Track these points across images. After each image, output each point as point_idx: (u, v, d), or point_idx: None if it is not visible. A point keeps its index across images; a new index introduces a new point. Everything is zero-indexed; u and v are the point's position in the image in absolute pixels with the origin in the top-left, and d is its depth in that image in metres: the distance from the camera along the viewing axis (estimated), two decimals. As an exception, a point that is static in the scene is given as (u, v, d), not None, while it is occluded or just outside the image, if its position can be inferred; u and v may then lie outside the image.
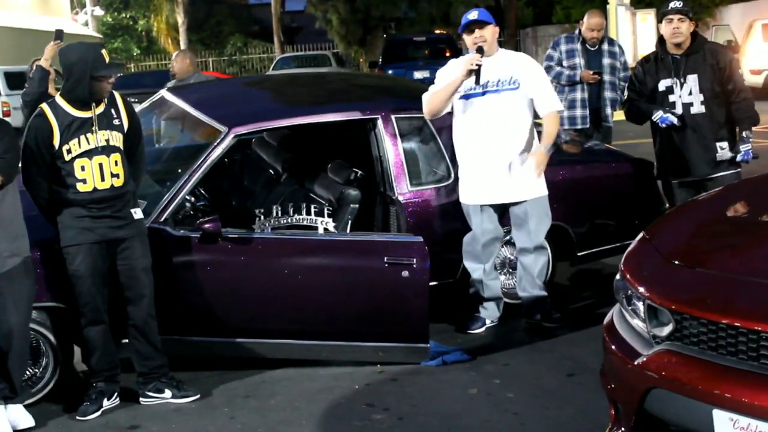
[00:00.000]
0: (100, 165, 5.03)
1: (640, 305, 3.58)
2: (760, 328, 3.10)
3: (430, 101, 6.01)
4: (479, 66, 5.80)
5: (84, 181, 5.01)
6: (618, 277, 3.85)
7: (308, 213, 5.83)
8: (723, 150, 6.41)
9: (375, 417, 5.01)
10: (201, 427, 5.02)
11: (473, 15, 5.96)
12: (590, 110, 8.37)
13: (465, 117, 6.02)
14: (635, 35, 22.71)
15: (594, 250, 6.81)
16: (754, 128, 6.44)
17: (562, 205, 6.47)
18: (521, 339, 6.14)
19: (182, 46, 38.00)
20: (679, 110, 6.39)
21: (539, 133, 6.08)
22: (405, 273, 5.42)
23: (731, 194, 4.57)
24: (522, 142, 5.99)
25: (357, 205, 6.05)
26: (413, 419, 4.96)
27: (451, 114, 6.10)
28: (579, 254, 6.74)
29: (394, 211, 6.10)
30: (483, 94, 5.94)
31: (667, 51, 6.44)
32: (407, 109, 6.27)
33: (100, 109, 5.10)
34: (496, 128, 5.93)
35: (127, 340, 5.31)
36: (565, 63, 8.39)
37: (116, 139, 5.12)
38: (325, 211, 5.85)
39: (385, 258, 5.45)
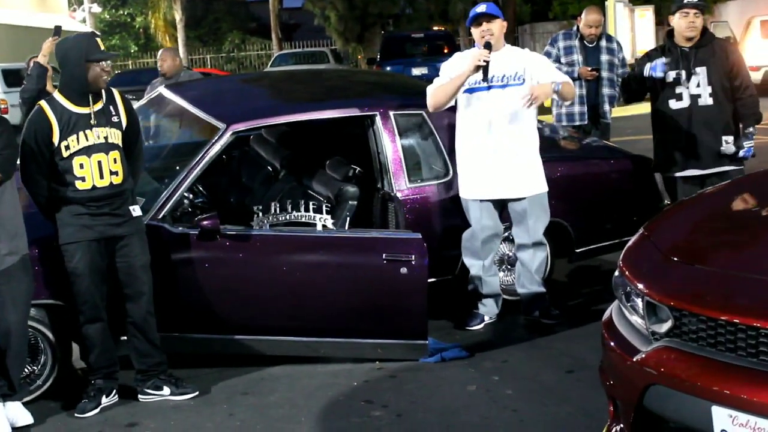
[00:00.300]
0: (99, 162, 5.03)
1: (639, 302, 3.57)
2: (759, 325, 3.10)
3: (434, 94, 6.00)
4: (487, 62, 5.80)
5: (83, 178, 5.01)
6: (617, 273, 3.85)
7: (306, 210, 5.83)
8: (728, 144, 6.43)
9: (374, 414, 5.02)
10: (200, 424, 5.02)
11: (481, 8, 5.96)
12: (588, 107, 8.36)
13: (469, 111, 6.01)
14: (633, 32, 22.72)
15: (592, 246, 6.81)
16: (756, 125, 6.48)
17: (561, 202, 6.47)
18: (520, 336, 6.14)
19: (180, 43, 37.91)
20: (686, 102, 6.40)
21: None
22: (403, 270, 5.42)
23: (730, 191, 4.57)
24: (524, 138, 5.99)
25: (355, 202, 6.05)
26: (412, 416, 4.96)
27: (450, 110, 6.10)
28: (577, 251, 6.75)
29: (393, 207, 6.10)
30: (488, 89, 5.93)
31: (675, 43, 6.45)
32: (405, 105, 6.27)
33: (99, 105, 5.09)
34: (500, 123, 5.93)
35: (125, 338, 5.31)
36: (563, 60, 8.38)
37: (115, 136, 5.12)
38: (324, 208, 5.85)
39: (384, 255, 5.45)
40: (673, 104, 6.44)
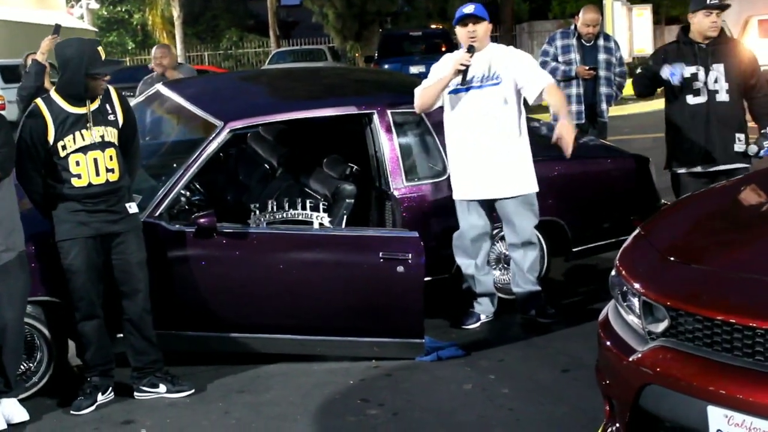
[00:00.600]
0: (95, 160, 5.03)
1: (636, 301, 3.58)
2: (755, 325, 3.10)
3: (420, 96, 6.04)
4: (467, 67, 5.81)
5: (79, 176, 5.01)
6: (613, 273, 3.85)
7: (303, 208, 5.82)
8: (740, 142, 6.46)
9: (370, 412, 5.01)
10: (195, 422, 5.01)
11: (469, 9, 5.96)
12: (585, 106, 8.36)
13: (452, 113, 6.04)
14: (631, 31, 22.75)
15: (589, 245, 6.81)
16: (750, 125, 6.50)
17: (557, 201, 6.48)
18: (516, 334, 6.14)
19: (177, 40, 37.84)
20: (704, 97, 6.41)
21: (530, 130, 6.10)
22: (400, 268, 5.42)
23: (727, 190, 4.57)
24: (507, 137, 5.97)
25: (352, 200, 6.04)
26: (408, 414, 4.96)
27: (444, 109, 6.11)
28: (574, 250, 6.75)
29: (390, 206, 6.10)
30: (467, 90, 5.95)
31: (691, 39, 6.47)
32: (403, 104, 6.26)
33: (95, 104, 5.09)
34: (480, 123, 5.93)
35: (121, 335, 5.31)
36: (560, 58, 8.39)
37: (111, 134, 5.11)
38: (321, 206, 5.84)
39: (381, 253, 5.45)
40: (691, 99, 6.45)
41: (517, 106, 5.97)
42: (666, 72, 6.37)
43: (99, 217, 5.06)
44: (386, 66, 21.99)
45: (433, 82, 5.98)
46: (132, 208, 5.20)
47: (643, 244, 3.89)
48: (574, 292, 7.03)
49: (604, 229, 6.83)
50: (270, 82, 7.92)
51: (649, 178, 6.96)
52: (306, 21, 48.80)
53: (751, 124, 6.58)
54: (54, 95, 5.08)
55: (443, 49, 21.89)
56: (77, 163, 5.00)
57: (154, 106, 7.15)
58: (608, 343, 3.70)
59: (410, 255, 5.42)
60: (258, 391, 5.38)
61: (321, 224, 5.75)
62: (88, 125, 5.03)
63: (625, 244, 4.02)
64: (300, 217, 5.80)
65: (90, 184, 5.03)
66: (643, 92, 6.80)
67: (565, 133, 5.68)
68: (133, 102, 6.46)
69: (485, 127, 5.93)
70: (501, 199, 6.01)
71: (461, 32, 5.97)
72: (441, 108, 6.09)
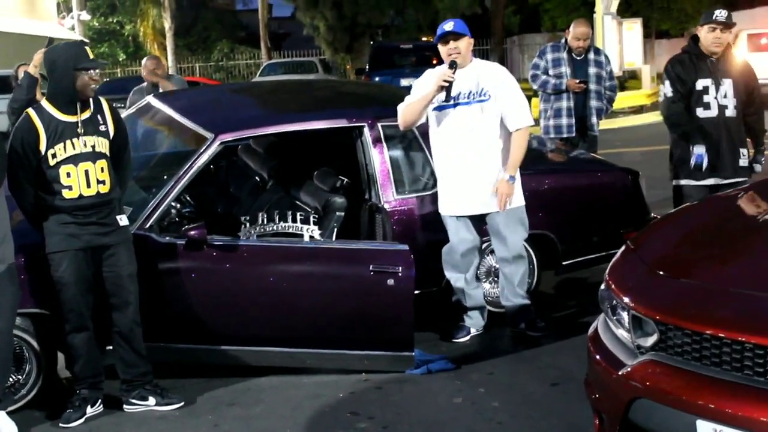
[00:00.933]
0: (86, 171, 5.03)
1: (625, 315, 3.59)
2: (743, 339, 3.11)
3: (404, 113, 6.03)
4: (450, 83, 5.82)
5: (70, 187, 5.00)
6: (603, 287, 3.86)
7: (294, 220, 5.82)
8: (744, 157, 6.57)
9: (360, 425, 5.01)
10: (185, 435, 5.01)
11: (449, 26, 5.97)
12: (576, 119, 8.40)
13: (438, 129, 6.04)
14: (621, 44, 22.86)
15: (579, 259, 6.82)
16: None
17: (547, 214, 6.49)
18: (506, 348, 6.14)
19: (169, 51, 37.92)
20: (714, 111, 6.47)
21: None
22: (390, 281, 5.42)
23: (716, 204, 4.59)
24: (495, 153, 5.97)
25: (343, 213, 6.04)
26: (398, 428, 4.96)
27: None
28: (564, 263, 6.75)
29: (380, 218, 6.10)
30: (455, 106, 5.95)
31: (703, 52, 6.52)
32: (394, 116, 6.25)
33: (86, 114, 5.09)
34: (468, 139, 5.93)
35: (111, 347, 5.29)
36: (551, 72, 8.43)
37: (102, 145, 5.11)
38: (311, 219, 5.84)
39: (371, 266, 5.45)
40: (701, 113, 6.50)
41: (498, 122, 5.98)
42: (696, 151, 6.43)
43: (90, 229, 5.05)
44: (377, 78, 22.04)
45: (417, 99, 5.98)
46: (123, 220, 5.20)
47: (632, 258, 3.91)
48: (564, 306, 7.04)
49: (594, 243, 6.84)
50: (261, 94, 7.93)
51: (639, 191, 6.97)
52: (297, 33, 48.89)
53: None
54: (45, 103, 5.08)
55: (434, 62, 21.94)
56: (68, 175, 5.00)
57: (145, 118, 7.14)
58: (598, 356, 3.71)
59: (400, 268, 5.42)
60: (248, 403, 5.37)
61: (311, 237, 5.75)
62: (78, 133, 5.03)
63: (614, 258, 4.04)
64: (290, 230, 5.80)
65: (81, 196, 5.02)
66: (672, 124, 6.69)
67: (502, 191, 5.87)
68: (123, 113, 6.45)
69: (473, 143, 5.94)
70: (491, 213, 6.02)
71: (443, 50, 5.97)
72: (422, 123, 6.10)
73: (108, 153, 5.15)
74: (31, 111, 5.07)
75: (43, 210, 5.06)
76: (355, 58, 41.00)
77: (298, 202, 6.51)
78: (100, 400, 5.28)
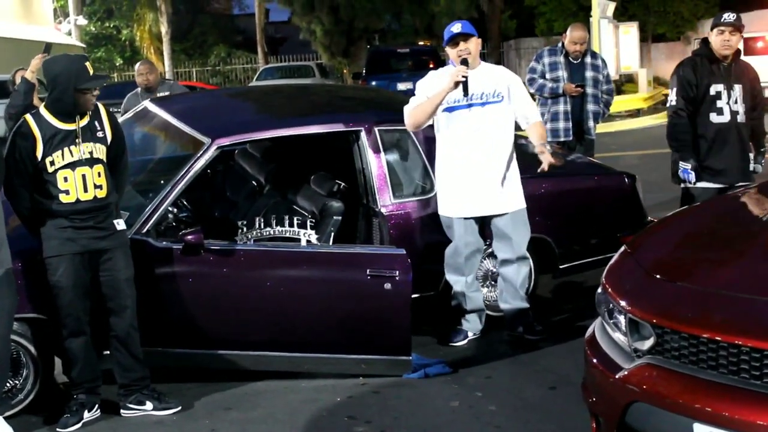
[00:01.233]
0: (83, 176, 5.02)
1: (622, 319, 3.59)
2: (740, 342, 3.11)
3: (413, 114, 6.00)
4: (466, 78, 5.81)
5: (67, 192, 5.00)
6: (599, 290, 3.86)
7: (291, 225, 5.83)
8: (752, 161, 6.65)
9: (357, 430, 5.01)
10: (182, 440, 5.00)
11: (457, 28, 5.97)
12: (573, 123, 8.41)
13: (449, 130, 6.01)
14: (618, 48, 22.87)
15: (576, 262, 6.82)
16: None
17: (545, 218, 6.49)
18: (503, 351, 6.14)
19: (165, 56, 37.88)
20: (727, 117, 6.50)
21: (517, 148, 6.13)
22: (387, 285, 5.42)
23: (713, 208, 4.60)
24: (505, 155, 6.01)
25: (340, 217, 6.05)
26: (395, 432, 4.96)
27: (433, 126, 6.11)
28: (561, 267, 6.76)
29: (377, 223, 6.11)
30: (469, 107, 5.95)
31: (714, 56, 6.54)
32: (390, 121, 6.27)
33: (84, 121, 5.09)
34: (482, 141, 5.94)
35: (108, 352, 5.29)
36: (548, 75, 8.44)
37: (99, 151, 5.11)
38: (308, 223, 5.85)
39: (368, 270, 5.45)
40: (714, 118, 6.52)
41: (513, 124, 6.04)
42: (682, 165, 6.50)
43: (87, 233, 5.05)
44: (374, 82, 22.05)
45: (429, 98, 5.95)
46: (120, 224, 5.20)
47: (629, 261, 3.91)
48: (562, 309, 7.04)
49: (591, 246, 6.85)
50: (258, 99, 7.93)
51: (636, 195, 6.98)
52: (294, 37, 48.85)
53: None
54: (43, 111, 5.07)
55: (431, 65, 21.98)
56: (65, 179, 5.00)
57: (142, 123, 7.15)
58: (595, 360, 3.71)
59: (397, 272, 5.42)
60: (245, 408, 5.37)
61: (308, 241, 5.75)
62: (77, 141, 5.03)
63: (611, 262, 4.04)
64: (287, 234, 5.81)
65: (78, 201, 5.02)
66: (672, 139, 6.70)
67: (546, 156, 5.89)
68: (120, 118, 6.45)
69: (490, 145, 5.96)
70: (498, 215, 6.03)
71: (453, 52, 5.97)
72: (429, 126, 6.09)
73: (105, 158, 5.15)
74: (29, 117, 5.06)
75: (40, 214, 5.06)
76: (352, 62, 41.02)
77: (295, 207, 6.51)
78: (97, 405, 5.27)
